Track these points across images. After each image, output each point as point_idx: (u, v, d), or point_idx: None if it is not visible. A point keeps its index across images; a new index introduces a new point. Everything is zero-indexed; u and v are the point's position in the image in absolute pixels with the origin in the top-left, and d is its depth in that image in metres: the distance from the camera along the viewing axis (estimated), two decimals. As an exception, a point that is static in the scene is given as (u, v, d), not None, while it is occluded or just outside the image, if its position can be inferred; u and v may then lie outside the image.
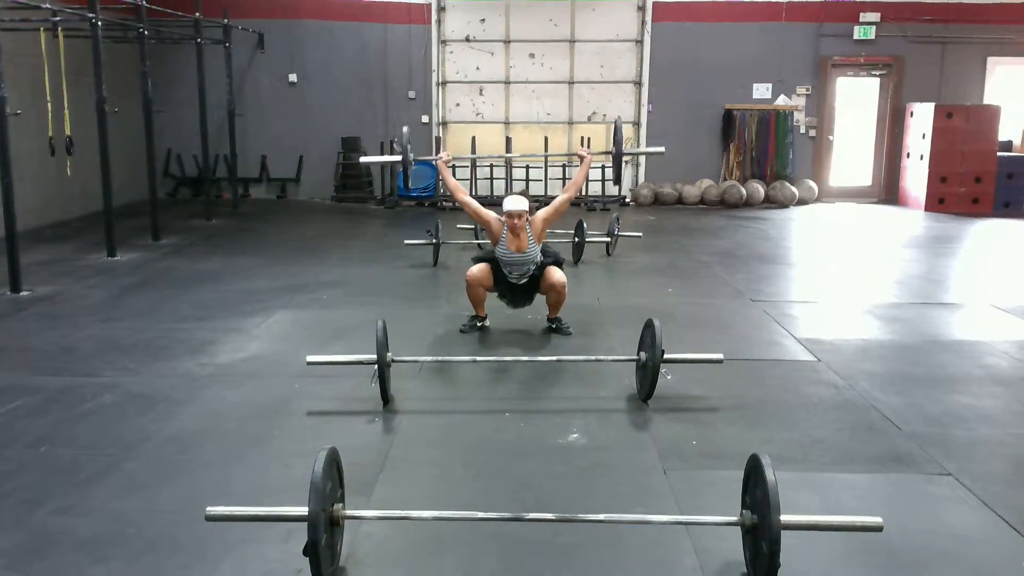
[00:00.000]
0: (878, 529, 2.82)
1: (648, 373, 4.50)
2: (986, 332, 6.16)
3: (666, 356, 4.43)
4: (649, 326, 4.56)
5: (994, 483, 3.71)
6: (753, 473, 2.89)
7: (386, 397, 4.46)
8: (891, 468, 3.88)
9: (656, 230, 10.45)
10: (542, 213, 5.88)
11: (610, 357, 5.14)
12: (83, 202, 10.61)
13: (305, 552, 2.69)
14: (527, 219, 5.71)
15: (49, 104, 8.50)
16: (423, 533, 3.24)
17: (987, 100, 13.06)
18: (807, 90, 13.29)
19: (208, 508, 2.89)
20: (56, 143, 8.72)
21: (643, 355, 4.60)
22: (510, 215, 5.66)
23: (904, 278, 8.13)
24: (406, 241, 8.59)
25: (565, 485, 3.68)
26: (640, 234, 9.25)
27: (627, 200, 13.20)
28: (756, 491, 2.84)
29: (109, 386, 4.81)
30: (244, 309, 6.56)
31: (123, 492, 3.57)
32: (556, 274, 5.77)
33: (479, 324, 5.92)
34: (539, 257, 5.80)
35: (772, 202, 13.05)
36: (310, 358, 4.60)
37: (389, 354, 4.49)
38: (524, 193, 6.00)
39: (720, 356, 4.62)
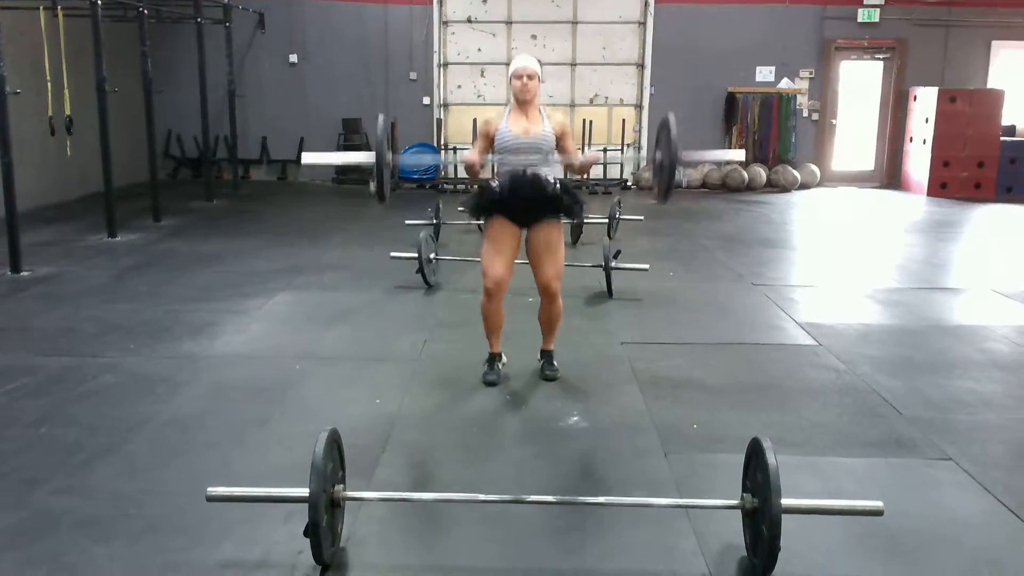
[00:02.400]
0: (878, 513, 2.82)
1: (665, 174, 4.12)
2: (987, 317, 6.15)
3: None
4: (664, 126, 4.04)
5: (994, 468, 3.71)
6: (754, 456, 2.89)
7: (382, 194, 4.27)
8: (892, 452, 3.88)
9: (658, 214, 10.41)
10: (564, 123, 4.54)
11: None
12: (83, 183, 10.58)
13: (306, 533, 2.70)
14: (538, 88, 4.40)
15: (49, 84, 8.47)
16: (424, 514, 3.24)
17: (991, 84, 12.99)
18: (810, 73, 13.22)
19: (209, 488, 2.90)
20: (56, 123, 8.69)
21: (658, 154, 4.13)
22: (517, 74, 4.35)
23: (905, 263, 8.11)
24: (407, 221, 8.57)
25: (566, 467, 3.68)
26: (641, 217, 9.23)
27: (629, 184, 13.16)
28: (757, 474, 2.84)
29: (110, 367, 4.81)
30: (245, 291, 6.55)
31: (124, 473, 3.57)
32: (551, 265, 4.47)
33: (501, 364, 4.72)
34: (554, 155, 4.46)
35: (774, 186, 13.01)
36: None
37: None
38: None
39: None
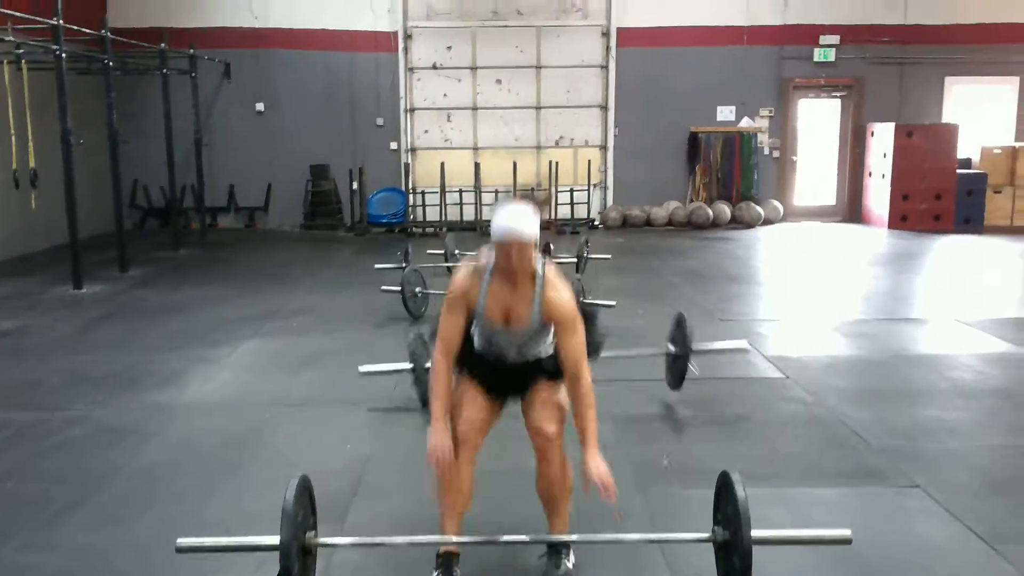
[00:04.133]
0: (847, 542, 2.85)
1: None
2: (950, 346, 6.27)
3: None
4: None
5: (962, 494, 3.77)
6: (724, 490, 2.92)
7: None
8: (861, 482, 3.93)
9: (625, 252, 10.53)
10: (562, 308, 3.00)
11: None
12: (48, 235, 10.49)
13: None
14: (533, 255, 2.98)
15: (13, 137, 8.43)
16: (397, 558, 3.22)
17: (945, 118, 13.32)
18: (770, 112, 13.49)
19: (179, 540, 2.87)
20: (20, 176, 8.64)
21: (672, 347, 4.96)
22: (502, 243, 2.91)
23: (869, 295, 8.25)
24: (376, 265, 8.58)
25: (539, 506, 3.68)
26: (609, 256, 9.32)
27: (596, 223, 13.29)
28: (727, 507, 2.86)
29: (78, 419, 4.76)
30: (213, 339, 6.51)
31: (93, 526, 3.53)
32: (548, 406, 3.11)
33: (457, 573, 3.04)
34: (547, 343, 3.13)
35: (739, 222, 13.20)
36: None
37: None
38: (534, 199, 3.04)
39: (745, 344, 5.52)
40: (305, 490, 2.91)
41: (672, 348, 4.98)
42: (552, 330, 3.07)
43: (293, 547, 2.71)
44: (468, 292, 3.04)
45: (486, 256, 3.04)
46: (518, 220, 2.91)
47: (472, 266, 3.08)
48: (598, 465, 2.89)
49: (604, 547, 3.23)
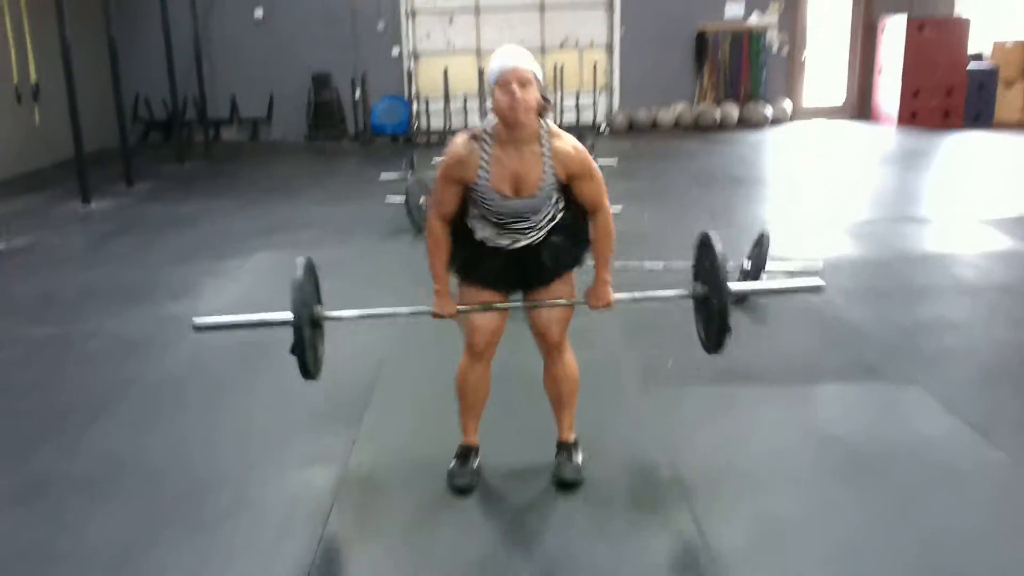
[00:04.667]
0: (819, 289, 3.15)
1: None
2: (955, 244, 6.29)
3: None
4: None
5: (958, 389, 3.85)
6: (703, 248, 3.06)
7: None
8: (860, 379, 4.01)
9: (631, 157, 10.47)
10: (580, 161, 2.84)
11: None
12: (53, 150, 10.48)
13: (292, 351, 2.86)
14: (537, 99, 2.73)
15: (12, 50, 8.34)
16: (418, 460, 3.34)
17: (958, 9, 13.01)
18: (779, 6, 13.18)
19: (195, 319, 3.09)
20: (22, 90, 8.58)
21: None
22: (502, 79, 2.66)
23: (876, 195, 8.23)
24: (382, 175, 8.58)
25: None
26: (614, 161, 9.27)
27: (602, 129, 13.16)
28: (705, 263, 3.03)
29: (93, 333, 4.87)
30: (223, 251, 6.58)
31: (114, 434, 3.65)
32: (554, 310, 3.02)
33: (474, 463, 3.18)
34: (557, 206, 2.92)
35: (746, 123, 13.06)
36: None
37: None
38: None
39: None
40: (311, 270, 3.04)
41: (747, 266, 5.01)
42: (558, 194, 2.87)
43: (305, 316, 2.86)
44: (467, 160, 2.78)
45: (479, 129, 2.83)
46: (518, 55, 2.72)
47: (470, 132, 2.83)
48: (605, 292, 3.01)
49: (610, 444, 3.35)
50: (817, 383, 3.98)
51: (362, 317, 3.22)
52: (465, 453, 3.18)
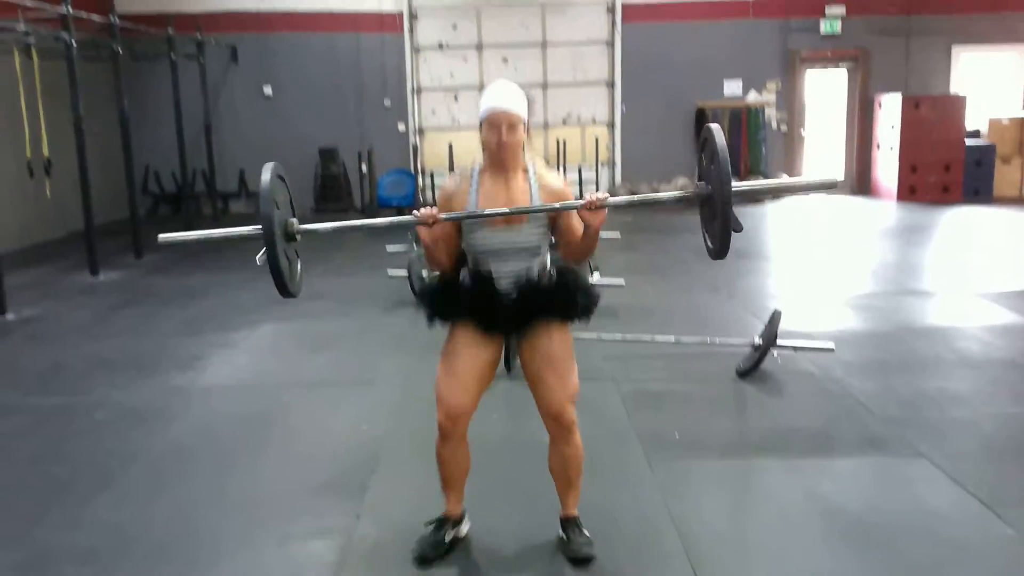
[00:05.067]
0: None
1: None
2: (958, 318, 6.32)
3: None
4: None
5: (965, 462, 3.84)
6: (705, 145, 2.91)
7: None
8: (867, 452, 4.01)
9: (634, 229, 10.57)
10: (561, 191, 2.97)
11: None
12: (63, 222, 10.63)
13: (266, 261, 2.77)
14: (525, 140, 2.91)
15: (26, 126, 8.53)
16: (419, 533, 3.32)
17: (953, 89, 13.29)
18: (777, 85, 13.48)
19: (160, 236, 2.92)
20: (34, 165, 8.74)
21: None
22: (492, 119, 2.85)
23: (878, 268, 8.30)
24: (388, 247, 8.66)
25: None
26: (617, 233, 9.36)
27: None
28: (709, 165, 2.88)
29: (100, 403, 4.88)
30: (230, 323, 6.62)
31: (119, 505, 3.64)
32: (559, 384, 2.96)
33: (447, 534, 3.15)
34: (546, 252, 3.02)
35: (747, 197, 13.21)
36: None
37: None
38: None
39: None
40: (280, 178, 2.89)
41: (758, 341, 5.05)
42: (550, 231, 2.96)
43: (275, 219, 2.75)
44: (456, 191, 2.93)
45: (467, 166, 3.00)
46: (508, 95, 2.86)
47: (459, 171, 3.04)
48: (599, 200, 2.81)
49: (617, 518, 3.33)
50: (824, 455, 3.98)
51: (336, 230, 3.08)
52: (440, 523, 3.15)
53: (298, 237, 2.94)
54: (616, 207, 2.89)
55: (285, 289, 2.85)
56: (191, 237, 2.97)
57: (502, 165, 2.89)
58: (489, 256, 2.93)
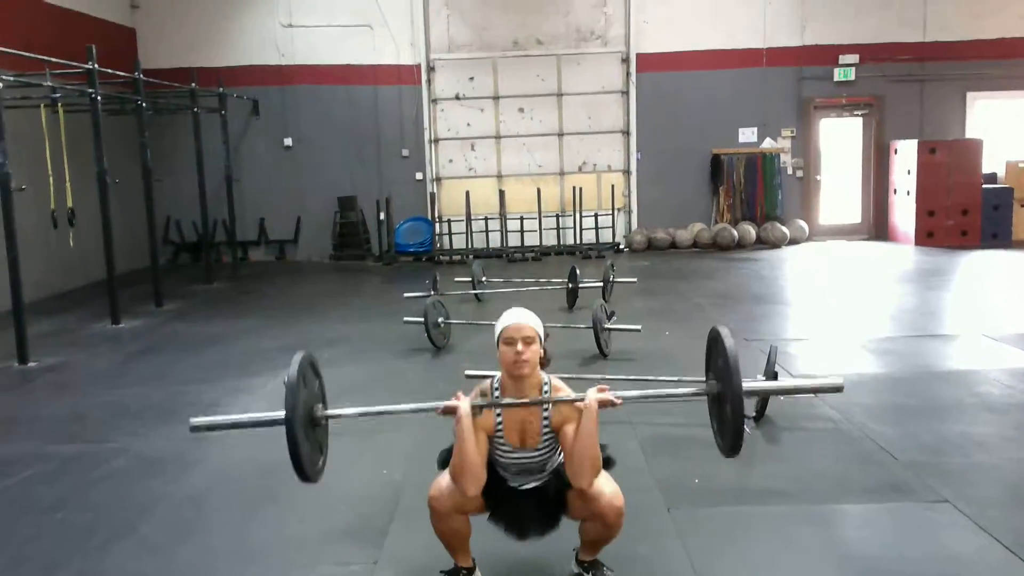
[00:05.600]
0: (839, 389, 3.09)
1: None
2: (978, 361, 6.28)
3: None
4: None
5: (990, 507, 3.80)
6: (714, 344, 2.97)
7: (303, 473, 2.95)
8: (889, 497, 3.97)
9: (651, 275, 10.61)
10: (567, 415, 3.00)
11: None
12: (86, 272, 10.76)
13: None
14: (541, 356, 3.04)
15: (51, 177, 8.69)
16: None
17: (969, 134, 13.32)
18: (792, 132, 13.56)
19: (192, 419, 2.97)
20: (58, 215, 8.89)
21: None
22: (508, 338, 2.98)
23: (896, 312, 8.26)
24: (405, 294, 8.72)
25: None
26: (635, 279, 9.39)
27: (621, 247, 13.38)
28: (718, 361, 2.93)
29: (120, 451, 4.90)
30: (249, 370, 6.66)
31: (140, 554, 3.65)
32: (606, 490, 2.99)
33: None
34: (556, 460, 3.12)
35: (764, 243, 13.23)
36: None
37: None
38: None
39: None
40: (310, 365, 2.95)
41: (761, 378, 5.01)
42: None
43: (299, 414, 2.77)
44: (485, 412, 3.00)
45: (487, 384, 3.09)
46: (523, 315, 3.02)
47: (477, 390, 3.08)
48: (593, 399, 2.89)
49: (635, 569, 3.30)
50: (846, 501, 3.94)
51: (362, 415, 3.15)
52: (454, 572, 3.18)
53: (324, 423, 3.03)
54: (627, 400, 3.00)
55: (304, 475, 2.88)
56: (220, 422, 3.04)
57: (520, 380, 2.98)
58: (505, 469, 3.09)
